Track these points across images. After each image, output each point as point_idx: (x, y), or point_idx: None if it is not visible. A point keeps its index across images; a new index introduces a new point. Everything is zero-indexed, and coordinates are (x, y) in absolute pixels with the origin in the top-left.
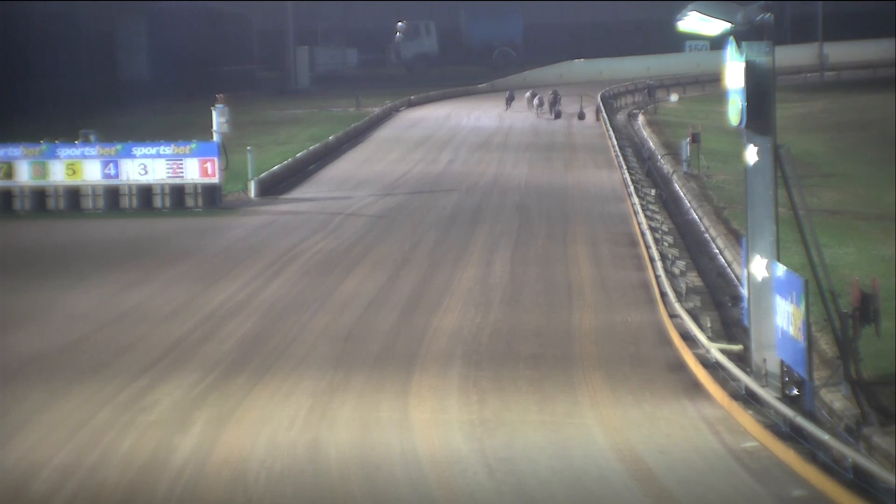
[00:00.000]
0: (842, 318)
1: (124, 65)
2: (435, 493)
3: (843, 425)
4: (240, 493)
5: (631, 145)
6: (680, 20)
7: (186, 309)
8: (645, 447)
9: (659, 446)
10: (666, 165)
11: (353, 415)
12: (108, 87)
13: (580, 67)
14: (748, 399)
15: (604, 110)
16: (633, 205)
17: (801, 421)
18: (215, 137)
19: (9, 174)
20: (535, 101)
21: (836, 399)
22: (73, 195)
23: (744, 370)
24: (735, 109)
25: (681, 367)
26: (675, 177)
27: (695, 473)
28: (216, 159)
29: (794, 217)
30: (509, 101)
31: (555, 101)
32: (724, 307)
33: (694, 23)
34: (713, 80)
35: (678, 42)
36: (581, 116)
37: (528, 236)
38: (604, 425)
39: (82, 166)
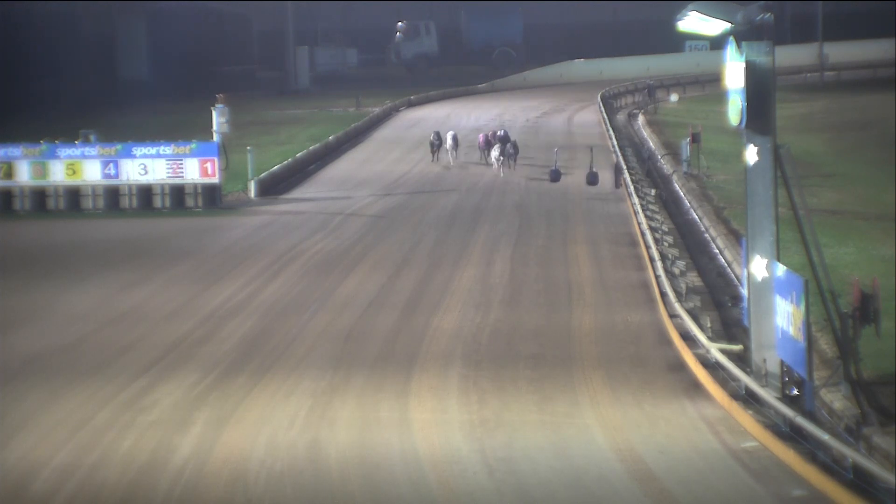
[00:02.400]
0: (842, 318)
1: (124, 65)
2: (435, 493)
3: (843, 425)
4: (240, 493)
5: (631, 145)
6: (680, 20)
7: (186, 309)
8: (645, 447)
9: (659, 446)
10: (666, 165)
11: (353, 415)
12: (108, 87)
13: (580, 67)
14: (748, 399)
15: (626, 171)
16: (633, 205)
17: (801, 421)
18: (215, 137)
19: (9, 174)
20: (494, 149)
21: (836, 399)
22: (73, 195)
23: (744, 370)
24: (735, 109)
25: (681, 367)
26: (675, 177)
27: (695, 473)
28: (216, 159)
29: (794, 217)
30: (435, 146)
31: (506, 151)
32: (724, 307)
33: (694, 23)
34: (713, 80)
35: (678, 42)
36: (591, 180)
37: (528, 236)
38: (604, 425)
39: (82, 166)
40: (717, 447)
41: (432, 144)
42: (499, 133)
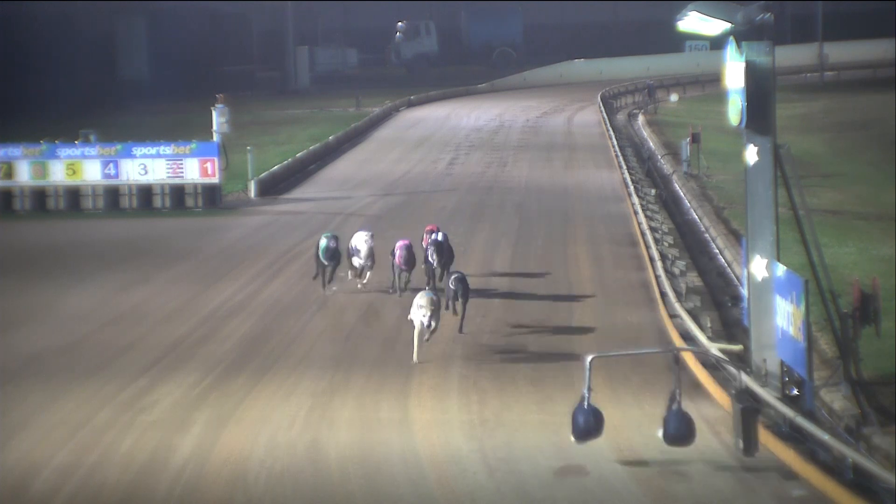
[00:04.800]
0: (842, 318)
1: (124, 65)
2: (435, 493)
3: (843, 425)
4: (240, 493)
5: (631, 145)
6: (680, 20)
7: (186, 309)
8: (645, 448)
9: (659, 447)
10: (666, 165)
11: (353, 415)
12: (108, 87)
13: (580, 67)
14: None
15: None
16: (633, 205)
17: (801, 421)
18: (215, 137)
19: (9, 174)
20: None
21: (836, 399)
22: (73, 195)
23: (744, 370)
24: (735, 109)
25: (681, 367)
26: (675, 177)
27: (695, 473)
28: (216, 159)
29: (794, 217)
30: (328, 260)
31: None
32: (724, 307)
33: (694, 23)
34: (713, 80)
35: (678, 42)
36: (677, 433)
37: (528, 236)
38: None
39: (82, 166)
40: (717, 447)
41: (324, 256)
42: (435, 237)
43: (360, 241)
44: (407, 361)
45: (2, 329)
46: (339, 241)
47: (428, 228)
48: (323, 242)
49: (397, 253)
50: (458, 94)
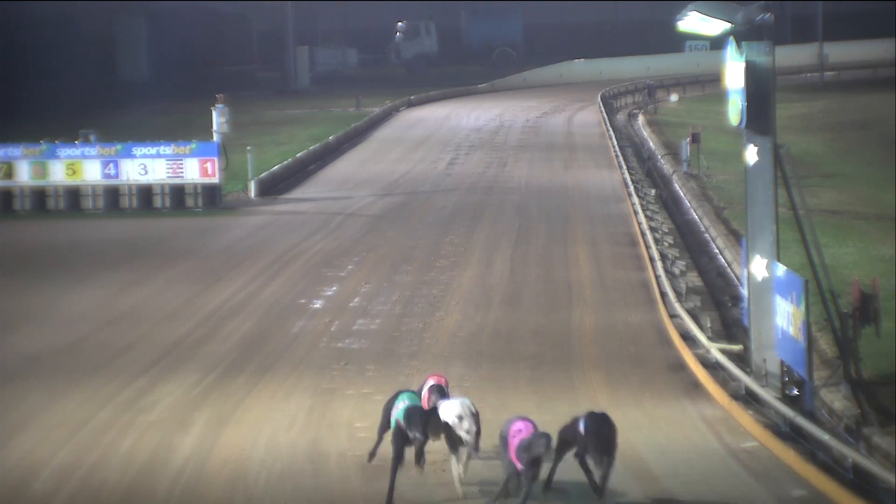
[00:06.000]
0: (842, 318)
1: (124, 65)
2: (435, 493)
3: (843, 425)
4: (240, 493)
5: (631, 145)
6: (680, 20)
7: (186, 309)
8: (645, 448)
9: (659, 447)
10: (666, 165)
11: (352, 415)
12: (108, 87)
13: (580, 67)
14: (748, 399)
15: None
16: (633, 205)
17: (801, 421)
18: (215, 137)
19: (9, 174)
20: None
21: (836, 399)
22: (73, 195)
23: (744, 370)
24: (735, 109)
25: (681, 367)
26: (675, 177)
27: (695, 474)
28: (216, 159)
29: (794, 217)
30: (418, 439)
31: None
32: (724, 307)
33: (694, 23)
34: (713, 80)
35: (678, 42)
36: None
37: (528, 236)
38: None
39: (82, 166)
40: (717, 447)
41: (413, 437)
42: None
43: (462, 408)
44: (408, 360)
45: (2, 329)
46: (423, 414)
47: (433, 380)
48: (405, 407)
49: (511, 442)
50: (458, 94)
